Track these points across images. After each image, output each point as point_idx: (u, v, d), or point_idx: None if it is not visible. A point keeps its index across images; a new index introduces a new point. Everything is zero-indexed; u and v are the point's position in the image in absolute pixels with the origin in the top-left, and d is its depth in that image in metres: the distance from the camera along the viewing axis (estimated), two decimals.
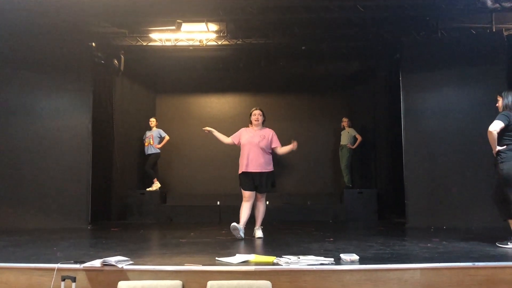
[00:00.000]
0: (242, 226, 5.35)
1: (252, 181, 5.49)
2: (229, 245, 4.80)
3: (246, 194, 5.50)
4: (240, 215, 5.45)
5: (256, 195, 5.57)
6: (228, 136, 5.73)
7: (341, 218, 8.08)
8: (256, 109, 5.76)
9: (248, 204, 5.49)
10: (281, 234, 5.95)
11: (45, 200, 6.86)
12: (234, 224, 5.27)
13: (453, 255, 3.96)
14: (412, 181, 6.89)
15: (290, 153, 9.49)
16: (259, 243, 5.10)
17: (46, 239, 5.38)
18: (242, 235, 5.28)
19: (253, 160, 5.51)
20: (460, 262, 3.50)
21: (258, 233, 5.50)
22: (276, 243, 5.03)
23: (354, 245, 4.60)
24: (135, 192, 8.55)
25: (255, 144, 5.54)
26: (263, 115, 5.75)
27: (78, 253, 4.09)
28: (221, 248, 4.58)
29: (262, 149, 5.54)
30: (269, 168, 5.61)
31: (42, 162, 6.95)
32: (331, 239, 5.22)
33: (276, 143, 5.67)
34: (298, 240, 5.21)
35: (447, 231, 6.02)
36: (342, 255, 3.66)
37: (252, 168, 5.49)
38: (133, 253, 4.02)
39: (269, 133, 5.71)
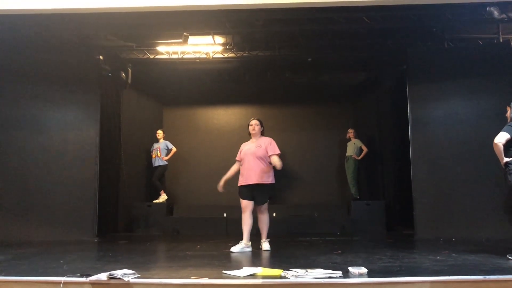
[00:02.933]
0: (245, 243, 5.32)
1: (251, 192, 5.38)
2: (236, 258, 4.77)
3: (243, 203, 5.41)
4: (242, 229, 5.41)
5: (256, 207, 5.45)
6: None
7: (349, 230, 8.01)
8: (253, 119, 5.62)
9: (246, 215, 5.38)
10: (288, 247, 5.90)
11: (52, 213, 6.87)
12: (234, 248, 5.24)
13: (463, 268, 3.90)
14: (420, 193, 6.83)
15: (297, 163, 9.61)
16: (266, 256, 5.06)
17: (53, 251, 5.37)
18: (249, 249, 5.29)
19: (250, 172, 5.36)
20: (470, 275, 3.44)
21: (265, 245, 5.41)
22: (283, 255, 4.99)
23: (362, 258, 4.55)
24: (142, 204, 8.54)
25: (251, 153, 5.41)
26: (261, 124, 5.62)
27: (85, 266, 4.08)
28: (228, 261, 4.54)
29: (259, 158, 5.37)
30: (268, 180, 5.39)
31: (49, 174, 6.98)
32: (339, 251, 5.17)
33: (271, 151, 5.39)
34: (305, 252, 5.16)
35: (457, 243, 5.95)
36: (350, 268, 3.61)
37: (250, 180, 5.35)
38: (140, 266, 4.00)
39: (266, 141, 5.49)
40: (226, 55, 8.07)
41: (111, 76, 7.93)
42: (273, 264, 4.25)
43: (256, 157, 5.38)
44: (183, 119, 10.00)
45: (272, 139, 5.55)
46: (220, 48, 7.91)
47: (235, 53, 7.98)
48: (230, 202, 8.78)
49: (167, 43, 7.59)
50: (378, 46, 7.80)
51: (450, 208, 6.69)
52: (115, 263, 4.29)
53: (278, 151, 5.42)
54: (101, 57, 7.51)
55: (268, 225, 5.52)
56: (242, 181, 5.43)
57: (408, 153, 7.00)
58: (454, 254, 4.76)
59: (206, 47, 7.88)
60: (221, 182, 5.54)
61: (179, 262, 4.54)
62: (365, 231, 7.92)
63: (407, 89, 7.10)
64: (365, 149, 8.79)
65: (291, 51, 8.04)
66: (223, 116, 10.05)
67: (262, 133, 5.66)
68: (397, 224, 8.28)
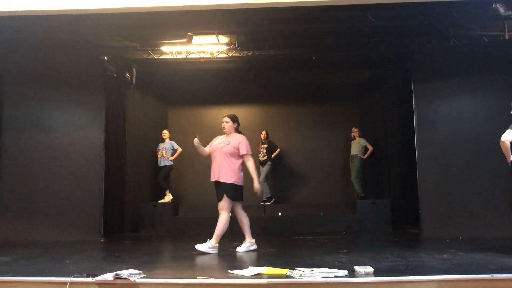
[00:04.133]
0: (249, 241, 5.28)
1: (217, 191, 5.20)
2: (241, 258, 4.76)
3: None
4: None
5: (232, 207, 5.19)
6: None
7: (355, 229, 7.99)
8: (225, 116, 5.36)
9: (237, 215, 5.27)
10: (294, 246, 5.90)
11: (58, 213, 6.90)
12: (239, 248, 5.18)
13: (470, 267, 3.87)
14: (426, 191, 6.80)
15: (302, 162, 9.59)
16: (271, 255, 5.05)
17: (59, 252, 5.39)
18: (254, 247, 5.28)
19: (214, 168, 5.16)
20: (477, 274, 3.42)
21: (201, 245, 5.03)
22: (288, 255, 4.98)
23: (368, 257, 4.53)
24: (147, 204, 8.56)
25: (218, 150, 5.17)
26: (234, 121, 5.34)
27: (91, 266, 4.09)
28: (233, 260, 4.54)
29: (225, 155, 5.10)
30: (230, 179, 5.07)
31: (56, 175, 7.00)
32: (345, 250, 5.15)
33: (243, 150, 5.12)
34: (311, 252, 5.15)
35: (463, 241, 5.92)
36: (356, 267, 3.60)
37: (214, 177, 5.16)
38: (146, 266, 4.01)
39: (237, 139, 5.20)
40: (230, 54, 8.07)
41: (116, 76, 7.96)
42: (278, 263, 4.23)
43: (221, 153, 5.14)
44: (188, 119, 10.02)
45: (244, 137, 5.26)
46: (225, 47, 7.92)
47: (240, 52, 7.98)
48: None
49: (172, 43, 7.60)
50: (383, 45, 7.78)
51: (456, 206, 6.65)
52: (121, 263, 4.30)
53: (249, 151, 5.18)
54: (105, 57, 7.53)
55: (221, 228, 5.10)
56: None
57: (414, 151, 6.97)
58: (460, 253, 4.73)
59: (211, 47, 7.89)
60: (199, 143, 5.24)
61: (185, 261, 4.55)
62: (371, 230, 7.91)
63: (412, 87, 7.07)
64: (370, 148, 8.77)
65: (296, 50, 8.04)
66: None
67: (237, 130, 5.37)
68: (403, 223, 8.26)
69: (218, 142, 5.30)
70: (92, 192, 6.99)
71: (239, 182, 5.16)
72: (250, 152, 5.21)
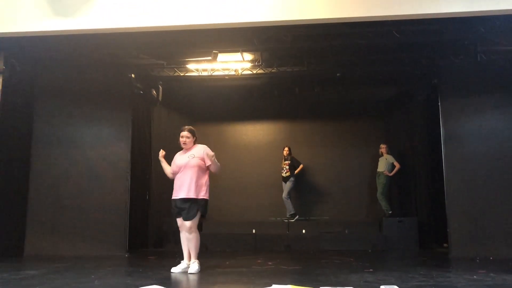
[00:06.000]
0: (186, 262, 5.02)
1: (180, 207, 4.96)
2: (265, 275, 4.72)
3: (177, 222, 5.08)
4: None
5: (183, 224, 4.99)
6: None
7: (381, 247, 7.84)
8: (183, 130, 5.13)
9: (182, 234, 5.07)
10: (318, 264, 5.81)
11: (84, 228, 7.00)
12: (174, 269, 4.95)
13: None
14: (454, 209, 6.65)
15: (327, 179, 9.51)
16: (296, 273, 4.99)
17: (85, 266, 5.46)
18: (185, 270, 4.96)
19: (181, 185, 4.92)
20: None
21: (192, 267, 4.92)
22: (313, 273, 4.91)
23: (395, 276, 4.44)
24: (172, 219, 8.57)
25: (184, 165, 4.96)
26: (194, 135, 5.14)
27: (115, 282, 4.13)
28: (256, 277, 4.50)
29: (194, 169, 4.92)
30: (199, 195, 4.91)
31: (82, 190, 7.13)
32: (371, 269, 5.06)
33: (207, 160, 4.96)
34: (336, 270, 5.07)
35: (495, 262, 5.73)
36: (382, 287, 3.52)
37: (179, 194, 4.93)
38: (169, 282, 4.02)
39: (199, 150, 5.02)
40: (254, 71, 8.11)
41: (142, 93, 8.11)
42: (303, 281, 4.18)
43: (191, 168, 4.94)
44: (212, 135, 10.06)
45: (206, 146, 5.10)
46: (249, 64, 7.98)
47: (264, 69, 8.02)
48: (258, 218, 8.80)
49: (197, 61, 7.71)
50: (409, 60, 7.70)
51: (486, 225, 6.47)
52: (145, 278, 4.33)
53: (212, 153, 5.02)
54: (133, 75, 7.70)
55: (197, 245, 5.04)
56: (173, 195, 5.07)
57: (442, 168, 6.84)
58: (492, 274, 4.58)
59: (235, 64, 7.96)
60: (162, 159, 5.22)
61: (208, 278, 4.54)
62: (397, 248, 7.74)
63: (439, 103, 6.96)
64: (397, 165, 8.63)
65: (320, 67, 8.02)
66: (252, 132, 10.08)
67: (195, 142, 5.18)
68: (431, 242, 8.06)
69: (180, 158, 5.09)
70: (118, 207, 7.09)
71: (207, 197, 5.01)
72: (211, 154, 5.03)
